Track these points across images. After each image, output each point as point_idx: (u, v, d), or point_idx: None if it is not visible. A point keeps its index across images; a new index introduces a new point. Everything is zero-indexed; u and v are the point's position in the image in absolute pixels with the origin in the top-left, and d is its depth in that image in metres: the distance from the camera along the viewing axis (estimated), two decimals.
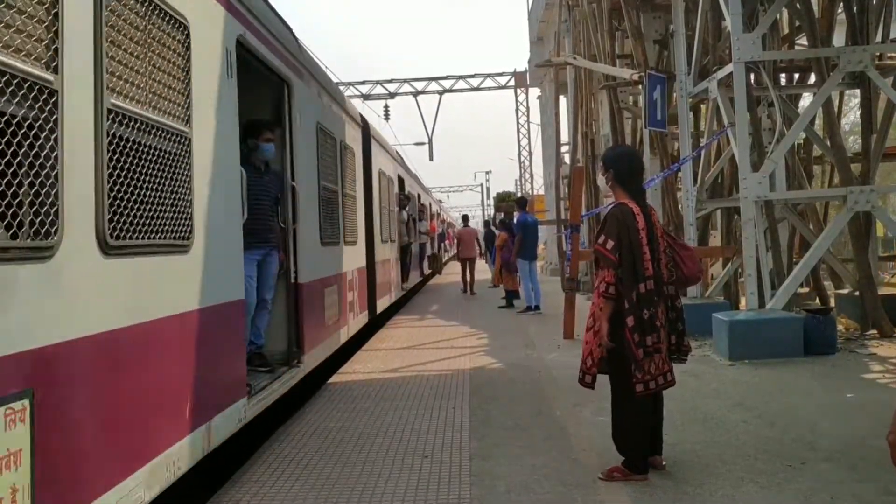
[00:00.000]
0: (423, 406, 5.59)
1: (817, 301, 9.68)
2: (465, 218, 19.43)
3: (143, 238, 3.05)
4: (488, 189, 57.61)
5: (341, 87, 12.28)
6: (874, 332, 8.21)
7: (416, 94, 29.51)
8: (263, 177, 5.33)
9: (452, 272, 25.89)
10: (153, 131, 3.19)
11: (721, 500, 3.47)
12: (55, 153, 2.43)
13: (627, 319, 3.71)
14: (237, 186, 4.37)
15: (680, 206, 10.46)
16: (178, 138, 3.45)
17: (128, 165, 2.94)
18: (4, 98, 2.17)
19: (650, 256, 3.80)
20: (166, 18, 3.38)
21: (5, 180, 2.19)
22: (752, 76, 8.87)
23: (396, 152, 15.16)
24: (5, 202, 2.18)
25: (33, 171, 2.36)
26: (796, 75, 10.53)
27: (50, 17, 2.44)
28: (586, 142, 14.85)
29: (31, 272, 2.32)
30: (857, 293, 8.73)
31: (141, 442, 3.01)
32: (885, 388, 5.86)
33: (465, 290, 16.60)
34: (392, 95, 29.80)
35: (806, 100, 11.16)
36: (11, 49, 2.23)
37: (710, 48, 9.87)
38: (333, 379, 6.91)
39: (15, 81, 2.22)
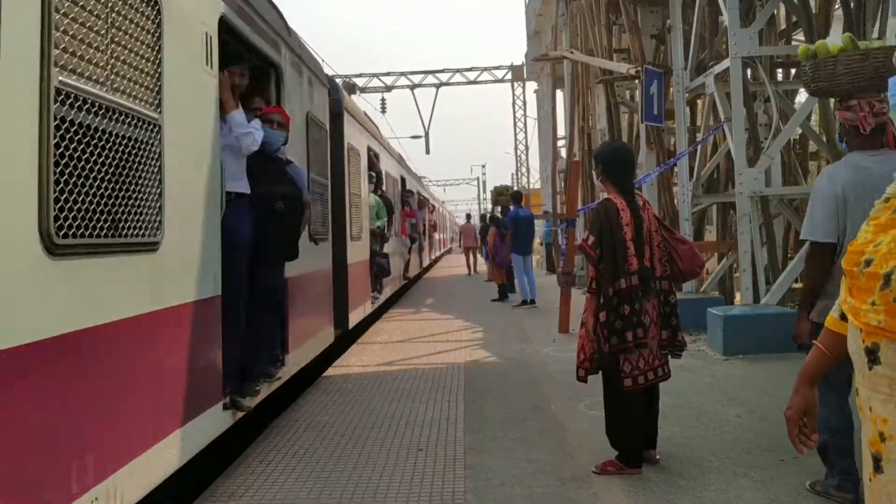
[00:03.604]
0: (418, 400, 5.60)
1: None
2: (468, 216, 26.19)
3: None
4: (484, 183, 57.55)
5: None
6: None
7: (412, 87, 29.49)
8: None
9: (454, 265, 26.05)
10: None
11: (714, 493, 3.49)
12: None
13: (600, 314, 3.77)
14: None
15: (676, 201, 10.48)
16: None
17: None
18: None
19: (635, 252, 3.82)
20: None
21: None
22: (749, 71, 8.88)
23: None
24: None
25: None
26: (793, 71, 10.54)
27: None
28: (583, 136, 14.84)
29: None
30: None
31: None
32: None
33: (469, 272, 21.45)
34: (389, 88, 29.78)
35: (802, 95, 11.16)
36: None
37: (707, 43, 9.87)
38: (328, 372, 6.91)
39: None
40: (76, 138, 2.51)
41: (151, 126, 3.13)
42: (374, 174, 10.40)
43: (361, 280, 8.95)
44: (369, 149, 10.27)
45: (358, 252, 8.64)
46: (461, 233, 24.60)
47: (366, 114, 11.08)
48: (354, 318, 8.31)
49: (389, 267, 10.84)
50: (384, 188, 11.49)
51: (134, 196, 2.98)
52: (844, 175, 3.24)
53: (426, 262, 22.59)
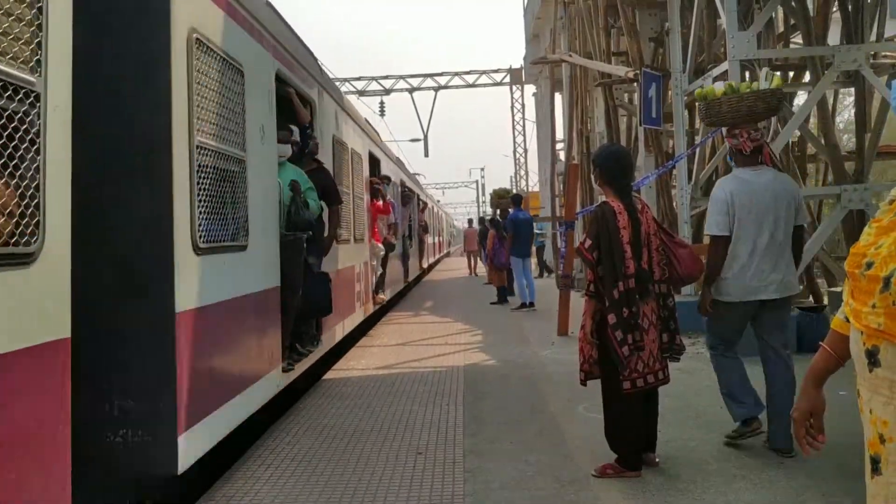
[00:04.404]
0: (418, 402, 5.59)
1: (811, 299, 9.71)
2: (471, 221, 28.40)
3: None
4: (483, 186, 57.54)
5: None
6: None
7: (411, 90, 29.47)
8: None
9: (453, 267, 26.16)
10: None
11: (713, 496, 3.49)
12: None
13: (609, 317, 3.76)
14: None
15: (674, 204, 10.48)
16: None
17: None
18: None
19: (632, 255, 3.82)
20: None
21: None
22: (747, 74, 8.88)
23: None
24: None
25: None
26: (791, 73, 10.55)
27: None
28: (581, 139, 14.86)
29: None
30: None
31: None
32: None
33: (470, 273, 22.96)
34: (387, 92, 29.76)
35: (800, 98, 11.20)
36: None
37: (705, 46, 9.88)
38: (328, 375, 6.91)
39: None
40: None
41: None
42: (294, 128, 5.85)
43: (246, 342, 4.47)
44: (284, 79, 5.56)
45: (230, 279, 4.14)
46: (465, 237, 26.07)
47: (276, 12, 5.87)
48: (208, 438, 3.77)
49: (330, 297, 6.05)
50: (325, 160, 6.65)
51: None
52: (732, 185, 4.20)
53: (413, 274, 16.34)
